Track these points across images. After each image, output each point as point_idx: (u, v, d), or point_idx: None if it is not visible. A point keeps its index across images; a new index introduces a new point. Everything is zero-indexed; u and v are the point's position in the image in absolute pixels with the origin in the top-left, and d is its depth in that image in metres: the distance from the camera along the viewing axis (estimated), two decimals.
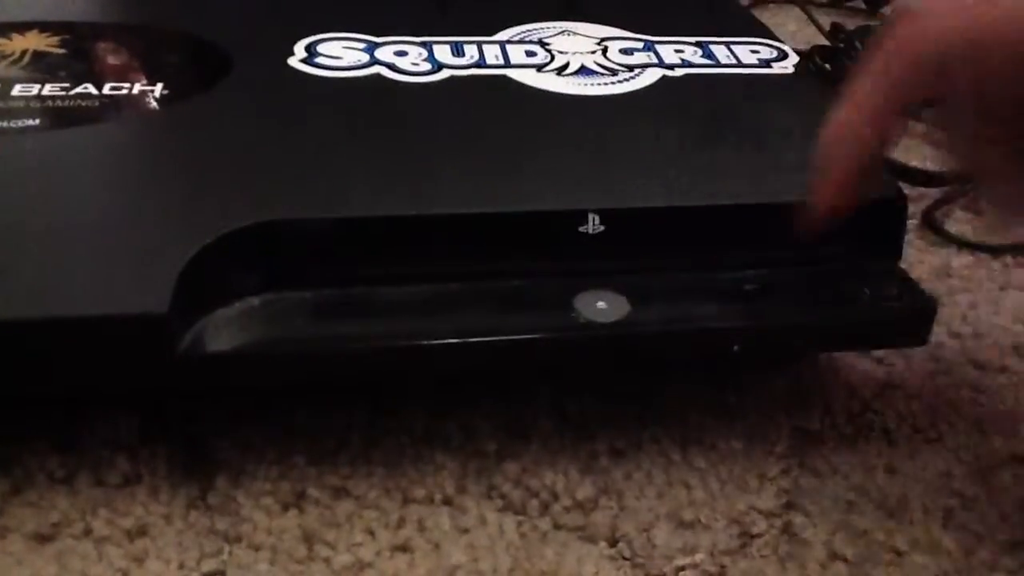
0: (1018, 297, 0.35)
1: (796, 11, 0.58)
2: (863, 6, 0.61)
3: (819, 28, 0.54)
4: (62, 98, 0.28)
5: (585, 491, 0.25)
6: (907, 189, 0.40)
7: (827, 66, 0.46)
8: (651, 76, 0.31)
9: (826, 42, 0.51)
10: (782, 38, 0.54)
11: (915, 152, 0.44)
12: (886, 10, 0.58)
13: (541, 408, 0.28)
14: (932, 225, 0.38)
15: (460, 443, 0.27)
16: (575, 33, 0.34)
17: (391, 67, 0.30)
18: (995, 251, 0.37)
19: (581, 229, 0.24)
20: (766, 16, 0.59)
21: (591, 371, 0.28)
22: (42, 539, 0.23)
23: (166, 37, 0.32)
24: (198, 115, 0.28)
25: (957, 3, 0.22)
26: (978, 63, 0.22)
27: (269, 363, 0.23)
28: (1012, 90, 0.21)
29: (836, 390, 0.29)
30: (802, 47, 0.48)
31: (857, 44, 0.46)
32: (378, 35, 0.32)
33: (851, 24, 0.51)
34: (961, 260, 0.36)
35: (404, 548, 0.24)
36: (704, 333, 0.24)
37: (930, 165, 0.43)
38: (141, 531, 0.24)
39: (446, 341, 0.23)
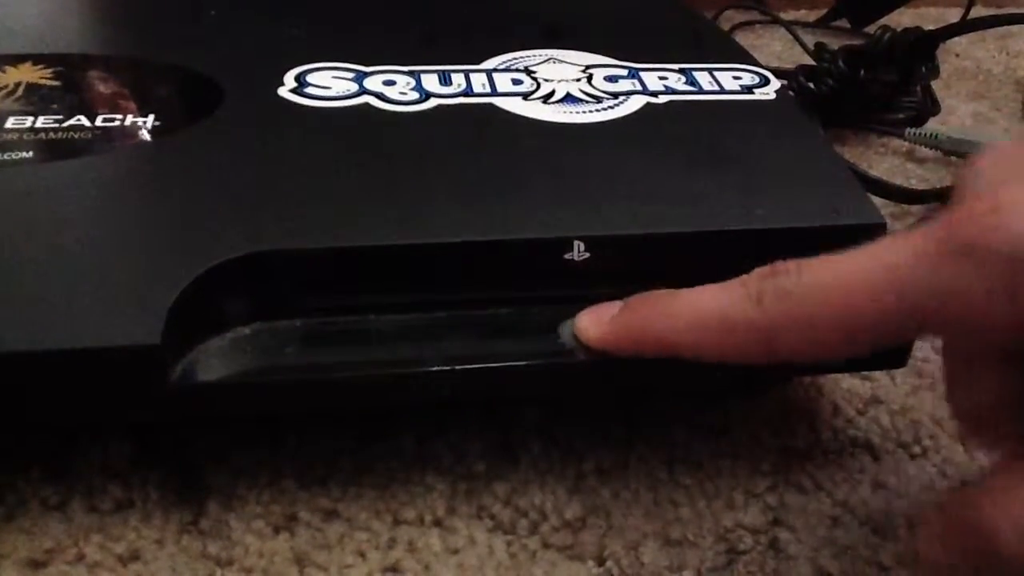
0: None
1: (782, 31, 0.59)
2: (848, 26, 0.62)
3: (804, 48, 0.55)
4: (55, 130, 0.28)
5: (573, 510, 0.26)
6: (890, 207, 0.41)
7: (811, 85, 0.47)
8: (635, 103, 0.31)
9: (811, 62, 0.52)
10: (768, 58, 0.55)
11: (899, 170, 0.45)
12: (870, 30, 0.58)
13: (529, 429, 0.28)
14: None
15: (449, 465, 0.27)
16: (561, 61, 0.34)
17: (379, 96, 0.31)
18: None
19: (566, 256, 0.25)
20: (752, 37, 0.60)
21: (577, 396, 0.29)
22: (36, 565, 0.24)
23: (157, 69, 0.33)
24: (190, 146, 0.28)
25: None
26: None
27: (260, 392, 0.23)
28: None
29: (821, 407, 0.30)
30: (788, 67, 0.49)
31: (841, 63, 0.47)
32: (367, 64, 0.33)
33: (835, 44, 0.51)
34: None
35: (395, 569, 0.24)
36: (687, 360, 0.25)
37: (914, 183, 0.43)
38: (134, 556, 0.24)
39: (434, 368, 0.23)
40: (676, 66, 0.34)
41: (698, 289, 0.22)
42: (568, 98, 0.31)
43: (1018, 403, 0.20)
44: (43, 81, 0.31)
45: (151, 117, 0.29)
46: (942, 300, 0.18)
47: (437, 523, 0.25)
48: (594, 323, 0.24)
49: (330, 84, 0.31)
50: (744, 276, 0.22)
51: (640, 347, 0.23)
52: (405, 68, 0.32)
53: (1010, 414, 0.21)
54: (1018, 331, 0.18)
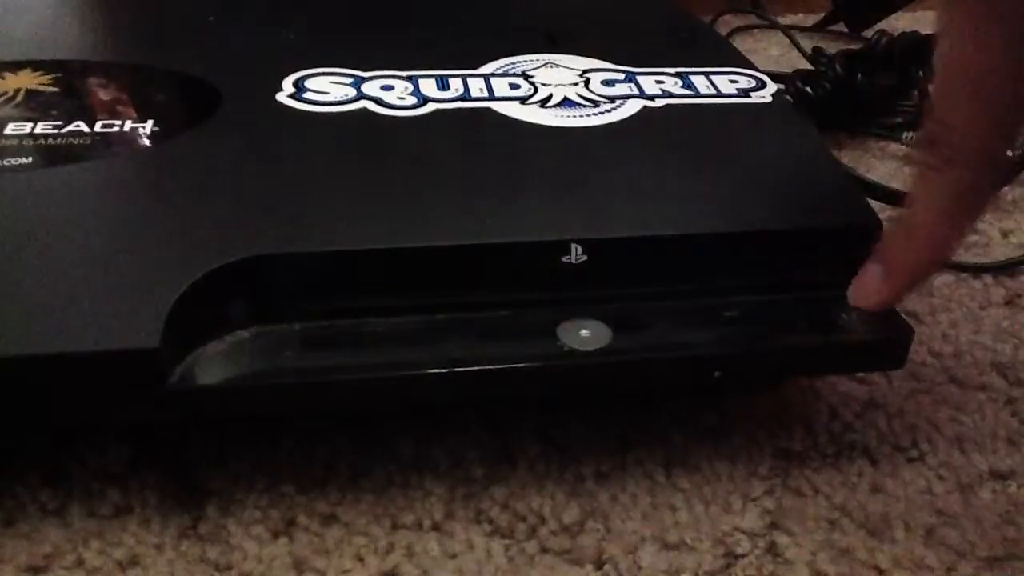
0: (998, 315, 0.35)
1: (779, 35, 0.60)
2: (845, 30, 0.62)
3: (802, 52, 0.55)
4: (54, 136, 0.28)
5: (571, 514, 0.26)
6: (887, 211, 0.41)
7: (808, 89, 0.47)
8: (632, 107, 0.32)
9: (809, 66, 0.52)
10: (766, 62, 0.55)
11: (896, 174, 0.45)
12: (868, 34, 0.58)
13: (527, 433, 0.28)
14: None
15: (448, 469, 0.27)
16: (558, 65, 0.34)
17: (378, 101, 0.31)
18: (976, 270, 0.37)
19: (564, 259, 0.25)
20: (749, 41, 0.60)
21: (575, 398, 0.29)
22: (35, 571, 0.24)
23: (156, 75, 0.33)
24: (188, 151, 0.28)
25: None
26: None
27: (259, 395, 0.23)
28: None
29: (818, 410, 0.30)
30: (785, 71, 0.49)
31: (838, 67, 0.47)
32: (365, 69, 0.33)
33: (833, 48, 0.51)
34: (942, 279, 0.37)
35: (393, 573, 0.24)
36: (685, 360, 0.25)
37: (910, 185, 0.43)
38: (133, 561, 0.24)
39: (432, 371, 0.23)
40: (673, 70, 0.34)
41: (915, 204, 0.24)
42: (565, 102, 0.32)
43: None
44: (42, 87, 0.31)
45: (150, 123, 0.29)
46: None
47: (435, 527, 0.25)
48: (870, 294, 0.26)
49: (328, 89, 0.31)
50: (920, 168, 0.24)
51: (924, 277, 0.26)
52: (403, 73, 0.33)
53: None
54: None
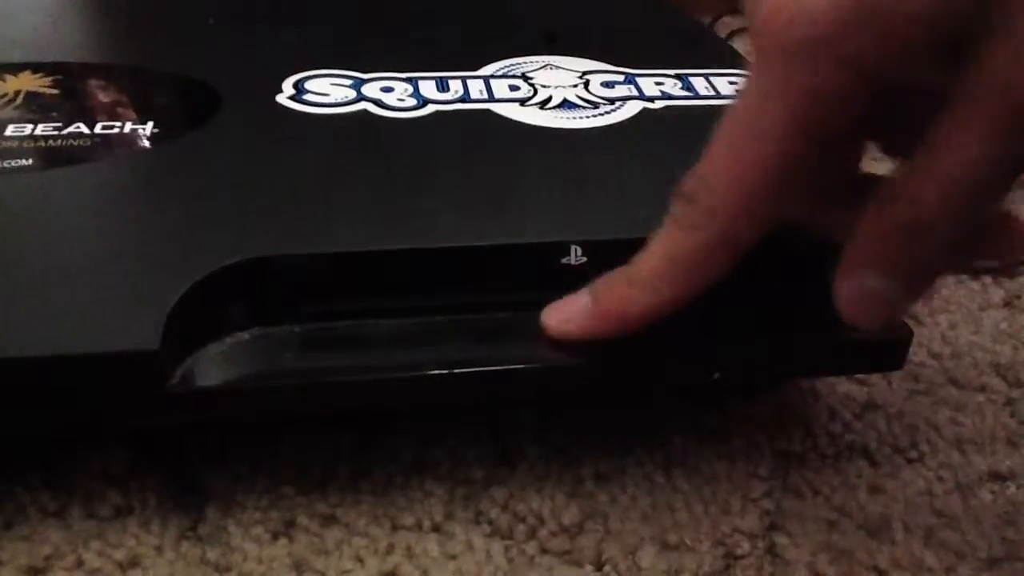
0: (997, 316, 0.35)
1: None
2: None
3: None
4: (54, 138, 0.28)
5: (571, 515, 0.26)
6: None
7: None
8: (632, 109, 0.32)
9: None
10: None
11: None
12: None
13: (526, 434, 0.28)
14: None
15: (447, 470, 0.27)
16: (557, 67, 0.34)
17: (377, 103, 0.31)
18: (975, 271, 0.37)
19: (564, 261, 0.25)
20: (749, 43, 0.60)
21: (575, 401, 0.29)
22: (35, 572, 0.24)
23: (156, 77, 0.33)
24: (188, 153, 0.28)
25: None
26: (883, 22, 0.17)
27: (259, 397, 0.23)
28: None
29: (817, 411, 0.30)
30: None
31: None
32: (365, 71, 0.33)
33: None
34: (941, 280, 0.37)
35: (393, 574, 0.24)
36: (684, 361, 0.25)
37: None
38: (133, 562, 0.24)
39: (432, 373, 0.23)
40: (672, 71, 0.34)
41: (647, 250, 0.23)
42: (565, 104, 0.32)
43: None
44: (42, 89, 0.31)
45: (150, 124, 0.29)
46: (804, 114, 0.19)
47: (435, 528, 0.25)
48: (565, 320, 0.24)
49: (328, 91, 0.31)
50: (670, 215, 0.22)
51: (625, 325, 0.23)
52: (403, 75, 0.33)
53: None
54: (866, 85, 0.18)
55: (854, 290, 0.21)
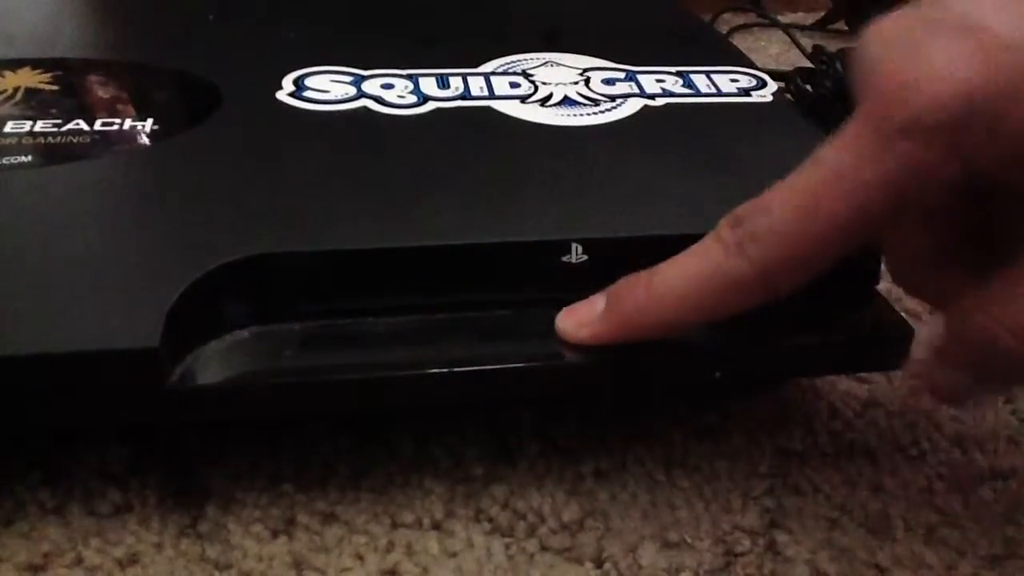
0: None
1: (779, 34, 0.60)
2: (845, 29, 0.62)
3: (802, 51, 0.55)
4: (54, 134, 0.28)
5: (571, 513, 0.26)
6: None
7: (809, 87, 0.47)
8: (633, 106, 0.32)
9: (809, 64, 0.52)
10: (766, 61, 0.55)
11: None
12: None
13: (526, 432, 0.28)
14: None
15: (447, 468, 0.27)
16: (558, 64, 0.34)
17: (378, 100, 0.31)
18: None
19: (564, 259, 0.25)
20: (750, 40, 0.60)
21: (575, 399, 0.29)
22: (34, 569, 0.24)
23: (156, 73, 0.33)
24: (188, 150, 0.28)
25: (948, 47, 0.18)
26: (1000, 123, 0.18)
27: (259, 395, 0.23)
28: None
29: (818, 409, 0.30)
30: (786, 69, 0.49)
31: (838, 66, 0.47)
32: (365, 68, 0.33)
33: (833, 46, 0.51)
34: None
35: (393, 572, 0.24)
36: (685, 360, 0.25)
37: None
38: (132, 559, 0.24)
39: (432, 371, 0.23)
40: (673, 69, 0.34)
41: (675, 260, 0.22)
42: (566, 101, 0.32)
43: (970, 238, 0.21)
44: (42, 85, 0.31)
45: (149, 121, 0.29)
46: (894, 187, 0.19)
47: (435, 526, 0.25)
48: (580, 325, 0.24)
49: (328, 88, 0.31)
50: (714, 233, 0.22)
51: (640, 335, 0.23)
52: (403, 72, 0.33)
53: (950, 255, 0.22)
54: (966, 177, 0.19)
55: (924, 373, 0.21)
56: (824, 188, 0.20)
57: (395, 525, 0.25)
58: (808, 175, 0.20)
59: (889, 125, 0.19)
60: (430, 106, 0.31)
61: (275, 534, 0.25)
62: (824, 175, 0.20)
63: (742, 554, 0.25)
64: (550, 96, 0.32)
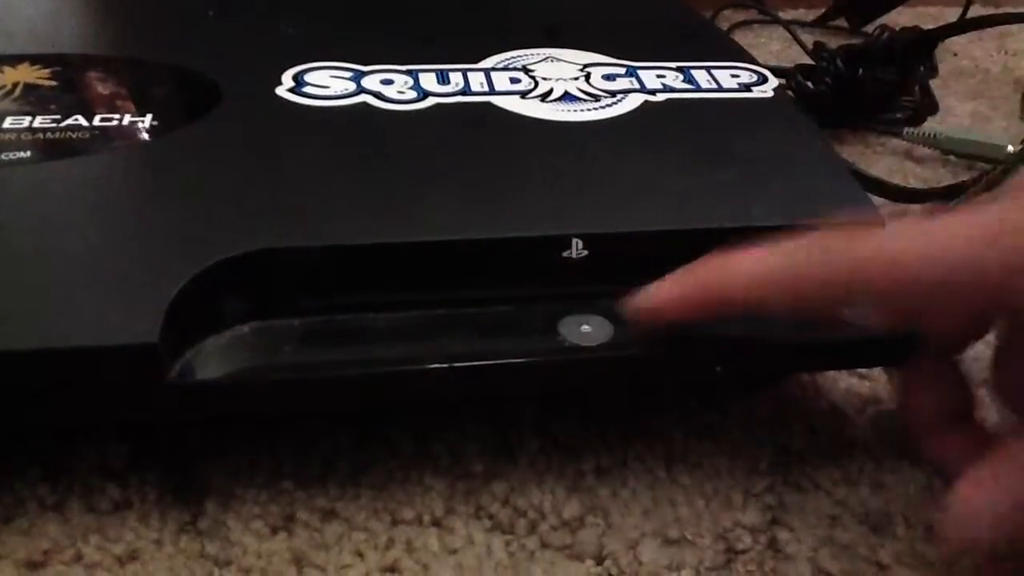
0: None
1: (780, 31, 0.59)
2: (846, 25, 0.62)
3: (803, 47, 0.55)
4: (53, 130, 0.28)
5: (572, 510, 0.26)
6: (888, 206, 0.41)
7: (809, 84, 0.47)
8: (633, 101, 0.31)
9: (810, 61, 0.52)
10: (767, 57, 0.55)
11: (897, 170, 0.45)
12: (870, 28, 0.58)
13: (527, 429, 0.28)
14: None
15: (447, 465, 0.27)
16: (559, 59, 0.34)
17: (378, 95, 0.31)
18: None
19: (565, 254, 0.25)
20: (751, 36, 0.60)
21: (577, 394, 0.29)
22: (34, 566, 0.24)
23: (155, 69, 0.33)
24: (187, 145, 0.28)
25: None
26: None
27: (258, 391, 0.23)
28: None
29: (820, 406, 0.30)
30: (786, 66, 0.49)
31: (839, 63, 0.47)
32: (365, 63, 0.33)
33: (834, 43, 0.51)
34: None
35: (393, 569, 0.24)
36: (687, 355, 0.25)
37: (912, 182, 0.43)
38: (132, 556, 0.24)
39: (433, 367, 0.23)
40: (674, 64, 0.34)
41: (760, 249, 0.22)
42: (566, 96, 0.32)
43: None
44: (41, 81, 0.31)
45: (149, 117, 0.29)
46: None
47: (435, 523, 0.25)
48: (648, 294, 0.23)
49: (328, 83, 0.31)
50: (809, 236, 0.22)
51: (705, 305, 0.23)
52: (403, 67, 0.32)
53: None
54: None
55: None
56: (949, 242, 0.20)
57: (395, 522, 0.25)
58: (940, 229, 0.21)
59: None
60: (430, 102, 0.31)
61: (275, 531, 0.25)
62: (955, 236, 0.20)
63: (743, 551, 0.25)
64: (550, 92, 0.32)
